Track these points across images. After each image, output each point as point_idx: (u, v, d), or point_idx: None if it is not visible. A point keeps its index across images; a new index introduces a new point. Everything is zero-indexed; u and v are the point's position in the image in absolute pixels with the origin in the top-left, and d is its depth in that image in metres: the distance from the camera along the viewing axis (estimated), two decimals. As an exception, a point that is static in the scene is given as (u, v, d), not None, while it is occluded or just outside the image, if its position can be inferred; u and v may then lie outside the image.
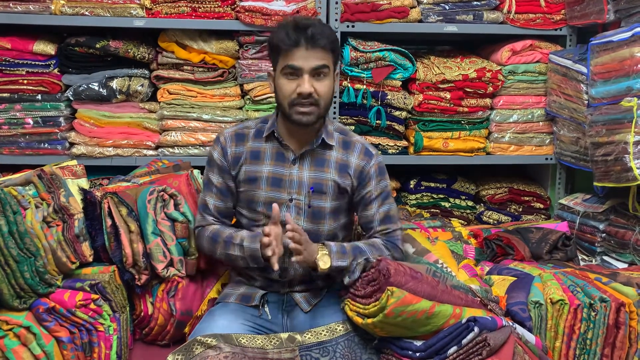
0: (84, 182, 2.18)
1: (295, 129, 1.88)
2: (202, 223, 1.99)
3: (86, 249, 2.00)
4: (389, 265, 1.69)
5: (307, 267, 1.84)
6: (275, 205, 1.75)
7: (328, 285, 1.97)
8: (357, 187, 1.94)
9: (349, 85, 2.70)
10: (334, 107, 2.71)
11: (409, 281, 1.66)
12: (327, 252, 1.81)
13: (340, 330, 1.78)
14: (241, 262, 1.88)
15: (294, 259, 1.76)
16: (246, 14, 2.58)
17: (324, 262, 1.79)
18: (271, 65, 1.91)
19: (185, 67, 2.66)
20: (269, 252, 1.73)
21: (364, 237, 2.01)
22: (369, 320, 1.68)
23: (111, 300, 1.94)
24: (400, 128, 2.76)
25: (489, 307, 1.80)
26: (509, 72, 2.78)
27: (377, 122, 2.72)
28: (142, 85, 2.63)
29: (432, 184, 2.93)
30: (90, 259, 2.01)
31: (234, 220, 2.06)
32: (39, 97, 2.60)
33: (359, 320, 1.72)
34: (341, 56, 2.69)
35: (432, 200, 2.91)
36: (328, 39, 1.79)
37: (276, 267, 1.73)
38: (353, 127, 2.73)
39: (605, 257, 2.51)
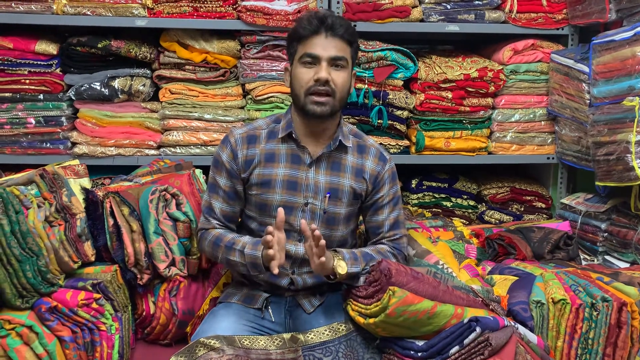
0: (86, 182, 2.18)
1: (312, 125, 1.85)
2: (206, 226, 1.93)
3: (88, 248, 2.00)
4: (390, 265, 1.69)
5: (320, 275, 1.79)
6: (280, 210, 1.71)
7: (332, 290, 1.97)
8: (371, 191, 1.93)
9: (351, 84, 2.70)
10: (336, 107, 2.71)
11: (411, 281, 1.66)
12: (342, 258, 1.79)
13: (342, 330, 1.78)
14: (242, 269, 1.84)
15: (314, 266, 1.72)
16: (248, 13, 2.59)
17: (341, 268, 1.76)
18: (288, 60, 1.89)
19: (187, 67, 2.66)
20: (271, 252, 1.68)
21: (370, 242, 2.00)
22: (371, 320, 1.68)
23: (113, 299, 1.94)
24: (401, 127, 2.76)
25: (490, 307, 1.80)
26: (510, 71, 2.78)
27: (379, 121, 2.72)
28: (144, 85, 2.64)
29: (434, 184, 2.92)
30: (92, 259, 2.01)
31: (240, 220, 2.05)
32: (41, 96, 2.60)
33: (361, 320, 1.72)
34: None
35: (433, 199, 2.91)
36: (347, 29, 1.80)
37: (276, 271, 1.67)
38: (354, 127, 2.73)
39: (607, 257, 2.51)
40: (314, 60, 1.78)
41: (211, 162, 1.94)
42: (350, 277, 1.80)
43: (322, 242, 1.67)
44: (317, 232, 1.67)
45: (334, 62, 1.78)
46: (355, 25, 2.65)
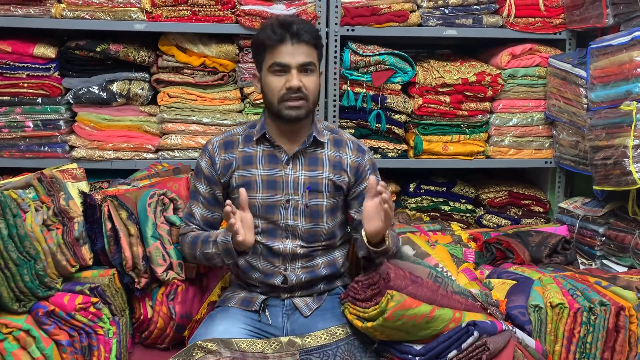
0: (84, 186, 2.18)
1: (286, 127, 1.88)
2: (185, 231, 1.98)
3: (86, 252, 2.00)
4: (389, 269, 1.69)
5: (376, 235, 1.72)
6: (242, 190, 1.73)
7: (328, 290, 1.98)
8: (353, 184, 1.95)
9: (349, 88, 2.70)
10: (334, 111, 2.71)
11: (409, 285, 1.66)
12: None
13: (340, 333, 1.78)
14: (217, 260, 1.85)
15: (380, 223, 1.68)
16: (246, 17, 2.59)
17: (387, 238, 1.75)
18: (255, 67, 1.92)
19: (186, 71, 2.66)
20: (231, 220, 1.68)
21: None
22: (369, 324, 1.68)
23: (111, 303, 1.93)
24: (399, 131, 2.77)
25: (488, 311, 1.80)
26: (508, 75, 2.79)
27: (377, 125, 2.72)
28: (142, 89, 2.64)
29: (432, 188, 2.93)
30: (90, 262, 2.01)
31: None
32: (39, 100, 2.60)
33: (358, 323, 1.72)
34: (341, 59, 2.70)
35: (431, 203, 2.91)
36: (312, 34, 1.83)
37: (239, 237, 1.69)
38: (353, 131, 2.73)
39: (605, 261, 2.51)
40: (284, 68, 1.80)
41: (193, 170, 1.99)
42: (383, 253, 1.76)
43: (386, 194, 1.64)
44: (380, 186, 1.65)
45: (303, 68, 1.81)
46: (353, 30, 2.67)
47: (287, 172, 1.89)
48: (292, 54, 1.79)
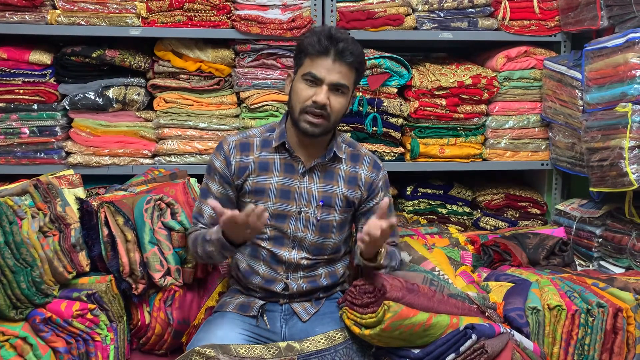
0: (81, 192, 2.18)
1: (305, 139, 1.86)
2: (192, 230, 1.96)
3: (83, 258, 1.99)
4: (385, 281, 1.68)
5: (367, 254, 1.74)
6: (251, 206, 1.63)
7: (327, 296, 1.97)
8: (365, 199, 1.94)
9: (345, 92, 2.71)
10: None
11: (406, 295, 1.65)
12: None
13: (338, 338, 1.78)
14: (218, 257, 1.83)
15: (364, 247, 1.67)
16: (242, 22, 2.59)
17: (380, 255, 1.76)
18: (293, 67, 1.89)
19: (182, 76, 2.66)
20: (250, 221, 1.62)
21: None
22: (367, 332, 1.68)
23: (108, 309, 1.93)
24: (396, 135, 2.77)
25: (486, 314, 1.80)
26: (504, 78, 2.79)
27: (374, 129, 2.72)
28: (138, 94, 2.63)
29: (429, 190, 2.93)
30: (87, 269, 2.01)
31: None
32: (35, 106, 2.59)
33: (356, 329, 1.72)
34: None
35: (429, 206, 2.92)
36: (356, 57, 1.79)
37: (260, 208, 1.62)
38: (349, 135, 2.74)
39: (602, 262, 2.52)
40: (316, 81, 1.78)
41: (205, 169, 1.95)
42: (376, 268, 1.78)
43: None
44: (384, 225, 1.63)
45: (335, 87, 1.78)
46: (349, 34, 2.67)
47: (302, 183, 1.88)
48: (329, 70, 1.76)
